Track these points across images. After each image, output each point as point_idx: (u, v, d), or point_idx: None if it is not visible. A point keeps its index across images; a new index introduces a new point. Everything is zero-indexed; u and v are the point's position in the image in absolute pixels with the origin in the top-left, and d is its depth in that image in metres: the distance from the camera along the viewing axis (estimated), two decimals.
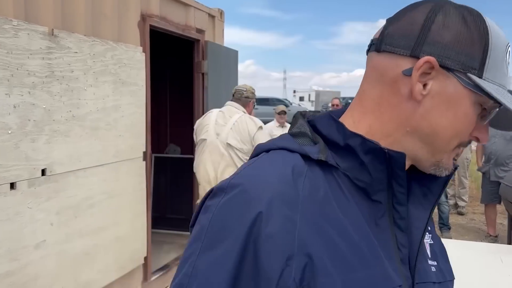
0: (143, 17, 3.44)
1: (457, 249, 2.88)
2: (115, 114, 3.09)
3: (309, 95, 39.09)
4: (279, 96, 39.84)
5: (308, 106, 35.65)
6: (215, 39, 4.59)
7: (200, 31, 4.31)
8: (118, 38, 3.15)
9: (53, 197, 2.54)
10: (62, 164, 2.61)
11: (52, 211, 2.54)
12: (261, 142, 0.74)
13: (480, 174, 5.59)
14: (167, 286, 3.92)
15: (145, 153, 3.47)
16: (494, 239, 5.34)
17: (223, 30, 4.79)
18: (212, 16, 4.54)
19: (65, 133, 2.61)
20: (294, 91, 42.16)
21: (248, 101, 3.72)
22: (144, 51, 3.42)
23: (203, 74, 4.31)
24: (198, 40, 4.30)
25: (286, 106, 24.22)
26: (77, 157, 2.72)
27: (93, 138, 2.86)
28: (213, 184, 2.79)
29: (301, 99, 39.13)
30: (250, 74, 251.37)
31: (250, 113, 3.78)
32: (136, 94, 3.32)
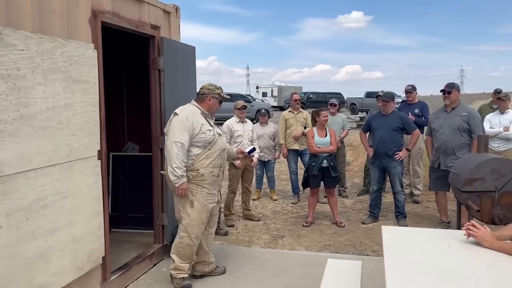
0: (94, 14, 3.38)
1: (409, 236, 3.01)
2: (67, 113, 3.03)
3: (272, 90, 39.34)
4: (243, 92, 39.89)
5: (271, 102, 35.91)
6: (171, 35, 4.56)
7: (155, 27, 4.27)
8: (68, 35, 3.09)
9: (1, 199, 2.47)
10: (11, 165, 2.54)
11: (0, 213, 2.47)
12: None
13: None
14: (128, 285, 3.89)
15: (100, 152, 3.42)
16: (447, 225, 5.58)
17: (179, 26, 4.76)
18: (167, 12, 4.51)
19: (13, 133, 2.55)
20: (257, 87, 42.30)
21: (204, 97, 3.87)
22: (96, 48, 3.36)
23: (159, 70, 4.27)
24: (153, 37, 4.26)
25: (249, 102, 24.35)
26: (27, 158, 2.66)
27: (44, 137, 2.80)
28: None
29: (264, 94, 39.33)
30: (213, 71, 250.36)
31: (208, 109, 3.86)
32: (89, 91, 3.27)
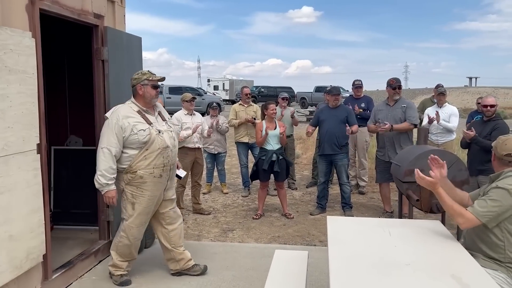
0: (32, 0, 3.21)
1: (353, 226, 3.10)
2: (3, 104, 2.87)
3: (223, 84, 39.16)
4: (194, 85, 39.45)
5: (223, 95, 35.76)
6: (116, 25, 4.42)
7: (98, 16, 4.12)
8: (2, 22, 2.92)
9: None
10: None
11: None
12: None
13: None
14: (72, 283, 3.76)
15: (39, 145, 3.26)
16: (390, 214, 5.81)
17: (124, 15, 4.62)
18: (111, 1, 4.36)
19: None
20: (208, 80, 41.95)
21: (134, 89, 3.63)
22: (34, 36, 3.20)
23: (103, 61, 4.13)
24: (96, 26, 4.11)
25: (200, 95, 24.13)
26: None
27: None
28: None
29: (216, 88, 39.09)
30: (163, 63, 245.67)
31: (143, 100, 3.60)
32: (26, 82, 3.11)
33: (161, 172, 3.60)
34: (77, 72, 5.16)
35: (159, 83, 3.69)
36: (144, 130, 3.50)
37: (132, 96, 3.66)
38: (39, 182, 3.26)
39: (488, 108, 4.74)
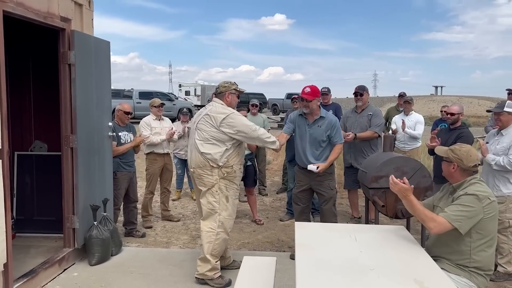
0: None
1: (320, 231, 3.14)
2: None
3: (195, 89, 38.95)
4: (165, 90, 39.11)
5: (194, 101, 35.55)
6: (84, 29, 4.34)
7: (65, 19, 4.05)
8: None
9: None
10: None
11: None
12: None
13: None
14: None
15: (1, 151, 3.17)
16: (358, 220, 5.90)
17: (92, 19, 4.55)
18: (79, 5, 4.29)
19: None
20: (180, 85, 41.64)
21: (222, 94, 3.98)
22: None
23: (69, 65, 4.05)
24: (63, 29, 4.03)
25: (171, 100, 23.93)
26: None
27: None
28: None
29: (187, 93, 38.82)
30: (134, 67, 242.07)
31: (229, 105, 3.95)
32: None
33: (242, 169, 4.04)
34: (43, 76, 5.04)
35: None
36: None
37: (219, 99, 3.98)
38: (0, 188, 3.16)
39: (449, 116, 4.90)
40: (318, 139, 4.38)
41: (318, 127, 4.39)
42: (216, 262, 3.86)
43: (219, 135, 3.77)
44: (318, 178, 4.45)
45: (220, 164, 3.78)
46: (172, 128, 5.91)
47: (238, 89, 4.05)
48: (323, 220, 4.52)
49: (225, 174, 3.82)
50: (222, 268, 4.02)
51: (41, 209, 4.91)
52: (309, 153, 4.43)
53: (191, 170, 3.95)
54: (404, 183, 2.85)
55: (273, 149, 4.10)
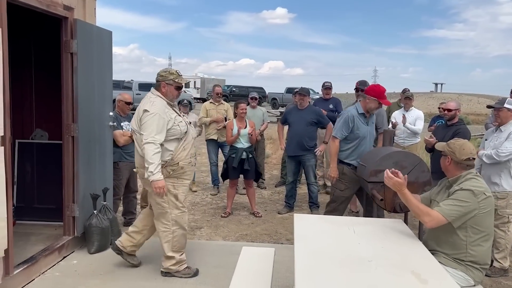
0: None
1: (319, 223, 3.17)
2: None
3: (195, 82, 38.93)
4: None
5: (194, 93, 35.53)
6: (86, 18, 4.35)
7: (68, 8, 4.05)
8: None
9: None
10: None
11: None
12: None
13: None
14: (34, 279, 3.68)
15: (3, 138, 3.18)
16: (356, 214, 5.94)
17: (95, 9, 4.55)
18: None
19: None
20: None
21: (158, 84, 3.66)
22: (0, 26, 3.12)
23: (72, 54, 4.06)
24: (66, 18, 4.03)
25: None
26: None
27: None
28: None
29: (187, 85, 38.76)
30: (134, 59, 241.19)
31: (165, 96, 3.62)
32: None
33: (194, 160, 3.84)
34: (45, 65, 5.05)
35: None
36: (181, 122, 3.62)
37: (156, 90, 3.64)
38: (2, 175, 3.18)
39: (446, 112, 4.95)
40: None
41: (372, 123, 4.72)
42: (181, 255, 3.82)
43: None
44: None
45: (163, 163, 3.53)
46: None
47: (176, 80, 3.64)
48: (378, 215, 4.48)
49: (171, 172, 3.59)
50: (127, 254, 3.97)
51: (42, 197, 4.93)
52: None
53: (135, 170, 3.79)
54: (398, 177, 2.89)
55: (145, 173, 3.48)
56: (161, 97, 3.60)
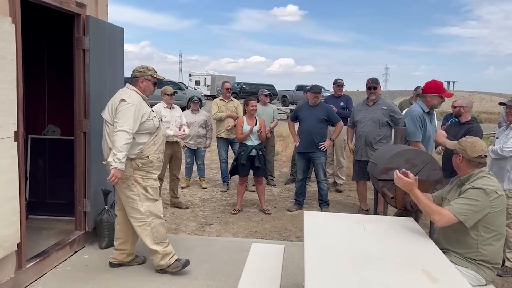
0: None
1: (328, 220, 3.16)
2: None
3: (205, 79, 39.00)
4: (175, 79, 39.15)
5: (204, 90, 35.61)
6: (98, 15, 4.38)
7: (80, 4, 4.08)
8: None
9: None
10: None
11: None
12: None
13: None
14: (46, 273, 3.73)
15: (16, 133, 3.22)
16: (366, 212, 5.91)
17: (107, 5, 4.58)
18: None
19: None
20: (190, 75, 41.67)
21: (136, 80, 3.71)
22: (14, 22, 3.16)
23: (84, 50, 4.09)
24: (78, 14, 4.06)
25: (182, 89, 23.98)
26: None
27: None
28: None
29: (197, 83, 38.90)
30: (145, 56, 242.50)
31: (142, 92, 3.69)
32: (5, 68, 3.06)
33: (162, 157, 3.81)
34: (57, 61, 5.09)
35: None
36: (155, 116, 3.70)
37: (131, 85, 3.70)
38: (15, 170, 3.22)
39: (453, 108, 5.01)
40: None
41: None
42: (165, 247, 3.79)
43: None
44: None
45: (132, 156, 3.54)
46: (183, 130, 5.84)
47: (154, 76, 3.76)
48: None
49: (140, 165, 3.60)
50: (127, 265, 3.96)
51: (54, 192, 4.99)
52: None
53: (104, 162, 3.68)
54: (408, 177, 2.87)
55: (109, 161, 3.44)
56: (137, 92, 3.66)
